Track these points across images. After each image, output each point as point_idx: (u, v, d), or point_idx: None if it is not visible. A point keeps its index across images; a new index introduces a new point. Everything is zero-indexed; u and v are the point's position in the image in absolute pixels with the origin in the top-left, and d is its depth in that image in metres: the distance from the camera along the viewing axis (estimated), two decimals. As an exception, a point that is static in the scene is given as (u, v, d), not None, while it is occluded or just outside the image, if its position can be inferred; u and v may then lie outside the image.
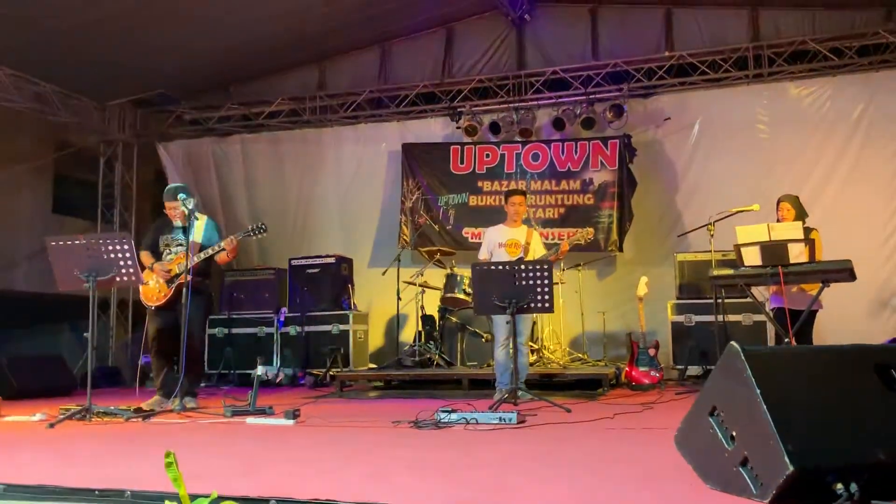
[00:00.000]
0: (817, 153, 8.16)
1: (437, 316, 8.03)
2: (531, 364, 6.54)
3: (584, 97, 8.77)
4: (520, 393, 5.28)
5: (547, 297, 5.02)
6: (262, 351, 8.52)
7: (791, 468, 1.93)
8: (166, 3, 7.66)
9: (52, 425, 4.51)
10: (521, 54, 9.42)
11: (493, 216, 7.48)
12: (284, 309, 8.66)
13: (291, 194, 10.10)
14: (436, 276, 7.97)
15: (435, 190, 9.19)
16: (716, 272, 5.86)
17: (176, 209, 5.59)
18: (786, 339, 5.46)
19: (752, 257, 5.49)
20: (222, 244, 5.49)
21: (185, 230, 5.48)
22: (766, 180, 7.93)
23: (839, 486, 1.95)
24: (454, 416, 4.26)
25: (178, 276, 5.47)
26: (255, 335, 8.79)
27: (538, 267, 5.07)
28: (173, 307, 5.48)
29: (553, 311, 5.35)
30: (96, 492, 2.43)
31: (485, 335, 7.56)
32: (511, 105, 9.03)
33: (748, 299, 6.15)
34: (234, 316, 8.87)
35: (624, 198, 8.51)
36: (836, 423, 2.11)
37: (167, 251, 5.67)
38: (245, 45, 8.96)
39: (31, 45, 7.92)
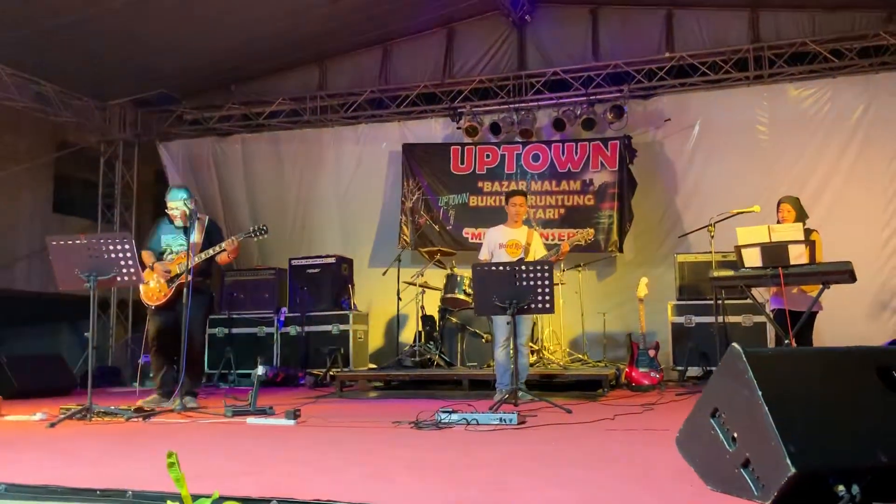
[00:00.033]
0: (817, 155, 8.17)
1: (437, 316, 8.03)
2: (531, 365, 6.54)
3: (584, 98, 8.78)
4: (520, 394, 5.28)
5: (547, 297, 5.02)
6: (262, 351, 8.54)
7: (793, 470, 1.93)
8: (167, 3, 7.67)
9: (52, 425, 4.51)
10: (522, 55, 9.42)
11: (494, 217, 7.50)
12: (284, 309, 8.68)
13: (291, 194, 10.11)
14: (436, 277, 7.97)
15: (435, 190, 9.20)
16: (716, 273, 5.86)
17: (177, 209, 5.59)
18: (786, 341, 5.46)
19: (752, 258, 5.49)
20: (223, 245, 5.50)
21: (186, 230, 5.49)
22: (765, 181, 7.95)
23: (841, 488, 1.96)
24: (455, 417, 4.26)
25: (178, 276, 5.47)
26: (255, 335, 8.79)
27: (539, 268, 5.06)
28: (174, 307, 5.49)
29: (553, 312, 5.35)
30: (98, 492, 2.43)
31: (485, 336, 7.57)
32: (511, 105, 9.04)
33: (748, 300, 6.16)
34: (235, 316, 8.87)
35: (624, 199, 8.52)
36: (837, 424, 2.11)
37: (168, 251, 5.67)
38: (245, 44, 8.97)
39: (32, 44, 7.92)
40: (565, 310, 7.91)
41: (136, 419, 4.78)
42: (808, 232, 5.59)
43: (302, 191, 10.08)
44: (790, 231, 5.48)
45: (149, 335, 5.64)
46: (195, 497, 1.72)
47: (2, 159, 9.14)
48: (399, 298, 8.21)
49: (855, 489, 1.95)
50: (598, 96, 8.79)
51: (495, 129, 9.04)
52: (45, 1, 7.16)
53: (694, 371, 7.36)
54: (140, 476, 2.74)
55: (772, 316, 5.92)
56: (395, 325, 8.60)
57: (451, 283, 7.26)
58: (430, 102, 9.57)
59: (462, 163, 9.16)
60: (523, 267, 5.10)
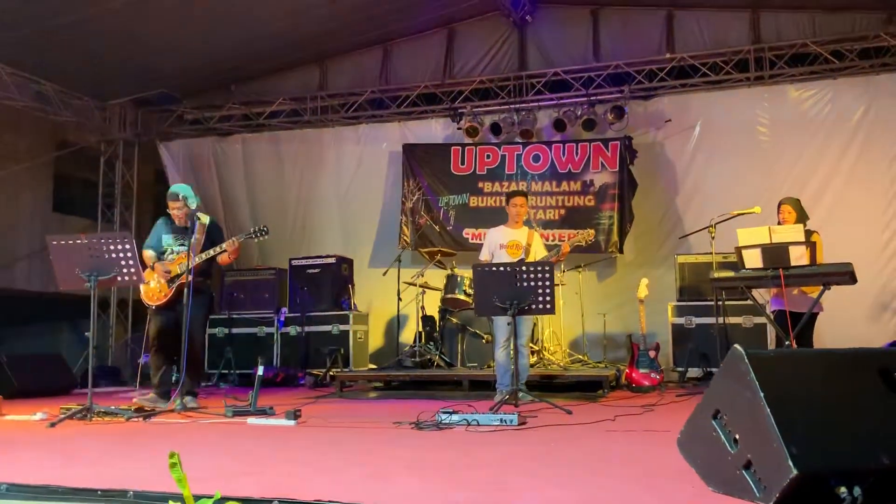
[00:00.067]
0: (818, 156, 8.17)
1: (437, 317, 8.03)
2: (531, 365, 6.54)
3: (584, 98, 8.78)
4: (520, 394, 5.28)
5: (548, 298, 5.02)
6: (262, 351, 8.54)
7: (794, 471, 1.93)
8: (167, 3, 7.67)
9: (52, 424, 4.51)
10: (523, 55, 9.42)
11: (494, 217, 7.50)
12: (284, 309, 8.68)
13: (291, 194, 10.11)
14: (436, 277, 7.96)
15: (435, 190, 9.19)
16: (716, 274, 5.86)
17: (179, 209, 5.60)
18: (786, 342, 5.46)
19: (753, 259, 5.50)
20: (224, 245, 5.50)
21: (187, 230, 5.49)
22: (766, 182, 7.95)
23: (842, 489, 1.95)
24: (455, 418, 4.26)
25: (178, 276, 5.47)
26: (256, 335, 8.79)
27: (539, 268, 5.06)
28: (174, 307, 5.49)
29: (554, 313, 5.36)
30: (99, 492, 2.43)
31: (485, 336, 7.56)
32: (512, 106, 9.04)
33: (749, 301, 6.16)
34: (235, 316, 8.86)
35: (624, 199, 8.52)
36: (839, 426, 2.11)
37: (169, 251, 5.67)
38: (246, 44, 8.97)
39: (32, 44, 7.92)
40: (565, 310, 7.91)
41: (136, 419, 4.78)
42: (808, 233, 5.60)
43: (302, 191, 10.07)
44: (791, 232, 5.48)
45: (149, 335, 5.66)
46: (197, 497, 1.72)
47: (2, 159, 9.14)
48: (399, 299, 8.20)
49: (857, 491, 1.95)
50: (599, 97, 8.79)
51: (496, 129, 9.04)
52: (45, 1, 7.16)
53: (694, 372, 7.36)
54: (141, 476, 2.74)
55: (772, 317, 5.92)
56: (396, 325, 8.60)
57: (452, 283, 7.26)
58: (431, 103, 9.57)
59: (462, 163, 9.15)
60: (524, 268, 5.10)
